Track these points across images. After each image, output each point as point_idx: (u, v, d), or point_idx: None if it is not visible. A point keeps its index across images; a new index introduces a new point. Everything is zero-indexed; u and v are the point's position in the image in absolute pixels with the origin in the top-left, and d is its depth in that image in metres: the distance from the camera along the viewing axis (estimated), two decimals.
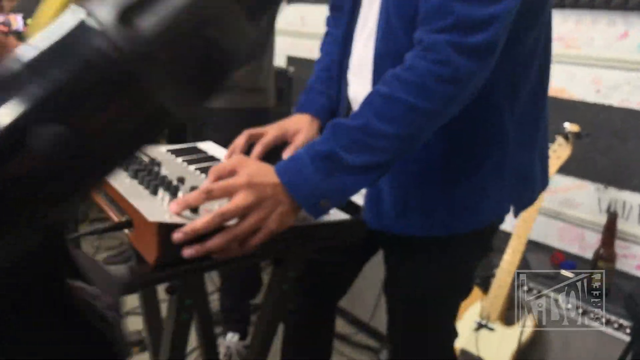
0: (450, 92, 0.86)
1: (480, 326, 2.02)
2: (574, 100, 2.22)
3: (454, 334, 1.38)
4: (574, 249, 2.30)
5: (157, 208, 0.82)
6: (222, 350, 2.31)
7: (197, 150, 1.29)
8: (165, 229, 0.77)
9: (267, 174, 0.86)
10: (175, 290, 0.85)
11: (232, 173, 0.87)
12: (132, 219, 0.85)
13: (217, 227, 0.79)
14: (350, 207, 1.24)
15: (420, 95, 0.86)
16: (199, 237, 0.79)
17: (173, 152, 1.24)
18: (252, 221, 0.81)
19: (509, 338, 1.97)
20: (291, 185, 0.85)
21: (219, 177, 0.87)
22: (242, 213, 0.81)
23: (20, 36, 3.50)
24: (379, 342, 2.45)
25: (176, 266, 0.81)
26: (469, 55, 0.85)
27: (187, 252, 0.78)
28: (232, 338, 2.34)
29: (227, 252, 0.82)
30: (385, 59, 1.05)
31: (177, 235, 0.77)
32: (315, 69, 1.40)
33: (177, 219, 0.79)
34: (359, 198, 1.22)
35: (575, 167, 2.24)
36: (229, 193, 0.82)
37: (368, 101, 0.89)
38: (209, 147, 1.33)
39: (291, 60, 3.67)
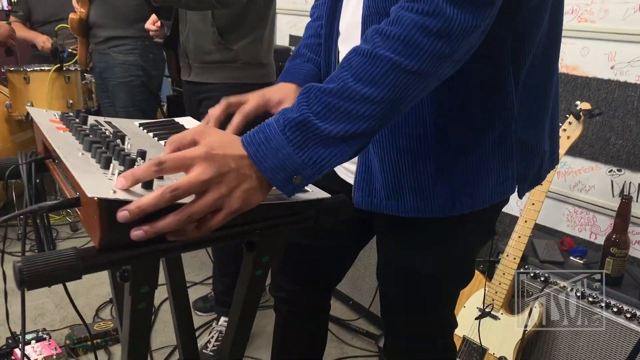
0: (440, 48, 0.75)
1: (483, 314, 1.92)
2: (587, 77, 2.09)
3: (452, 323, 1.28)
4: (584, 234, 2.19)
5: (103, 183, 0.72)
6: (214, 335, 2.23)
7: (172, 125, 1.19)
8: (110, 207, 0.67)
9: (231, 144, 0.76)
10: (128, 276, 0.76)
11: (192, 143, 0.76)
12: (79, 195, 0.75)
13: (169, 205, 0.69)
14: (339, 185, 1.14)
15: (406, 52, 0.74)
16: (151, 216, 0.69)
17: (145, 126, 1.14)
18: (210, 199, 0.71)
19: (514, 327, 1.87)
20: (258, 157, 0.75)
21: (177, 148, 0.76)
22: (199, 189, 0.71)
23: (6, 14, 3.42)
24: (378, 329, 2.37)
25: (127, 249, 0.72)
26: (463, 5, 0.74)
27: (135, 233, 0.69)
28: (225, 322, 2.26)
29: (183, 234, 0.72)
30: (374, 19, 0.94)
31: (121, 214, 0.67)
32: (304, 35, 1.30)
33: (123, 196, 0.69)
34: (348, 176, 1.13)
35: (587, 147, 2.12)
36: (184, 166, 0.72)
37: (346, 61, 0.78)
38: (187, 121, 1.23)
39: (293, 39, 3.57)
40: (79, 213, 0.80)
